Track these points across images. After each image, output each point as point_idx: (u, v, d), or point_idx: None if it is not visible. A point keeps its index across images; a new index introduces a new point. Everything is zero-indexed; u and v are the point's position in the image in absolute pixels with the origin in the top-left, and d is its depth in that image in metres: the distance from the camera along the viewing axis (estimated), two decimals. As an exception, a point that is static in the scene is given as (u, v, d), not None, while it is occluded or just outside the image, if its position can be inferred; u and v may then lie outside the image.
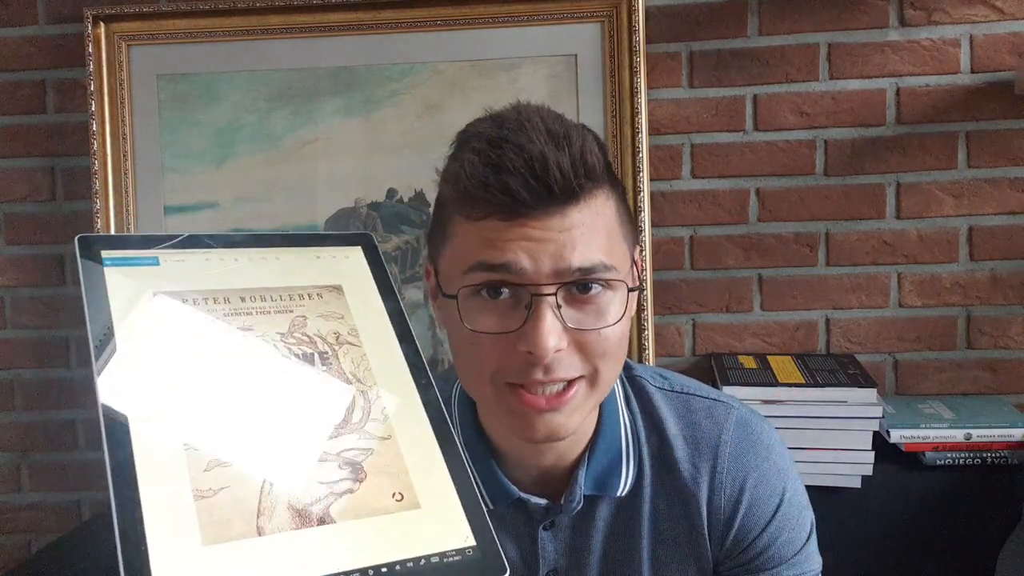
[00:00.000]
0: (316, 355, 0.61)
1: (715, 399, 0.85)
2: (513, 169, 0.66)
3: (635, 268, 0.76)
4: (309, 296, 0.63)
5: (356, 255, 0.67)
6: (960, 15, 1.47)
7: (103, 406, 0.53)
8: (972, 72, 1.47)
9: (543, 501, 0.79)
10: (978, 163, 1.48)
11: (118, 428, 0.53)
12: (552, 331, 0.66)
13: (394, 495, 0.55)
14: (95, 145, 1.54)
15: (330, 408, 0.58)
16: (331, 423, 0.58)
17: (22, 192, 1.63)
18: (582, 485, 0.78)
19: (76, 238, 0.61)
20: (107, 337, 0.56)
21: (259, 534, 0.51)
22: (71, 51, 1.59)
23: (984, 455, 1.31)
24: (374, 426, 0.59)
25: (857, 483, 1.30)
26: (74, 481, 1.66)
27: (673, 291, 1.55)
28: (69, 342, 1.64)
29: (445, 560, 0.54)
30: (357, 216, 1.55)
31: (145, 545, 0.49)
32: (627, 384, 0.85)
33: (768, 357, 1.45)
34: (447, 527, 0.55)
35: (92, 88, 1.53)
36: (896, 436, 1.32)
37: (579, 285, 0.68)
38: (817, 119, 1.51)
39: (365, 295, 0.65)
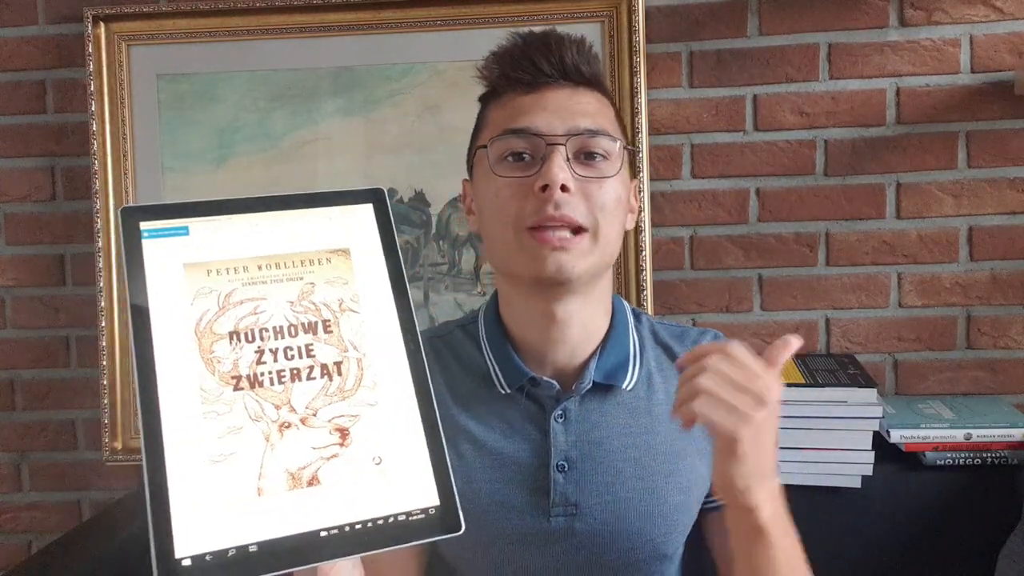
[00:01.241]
0: (320, 323, 0.66)
1: (700, 330, 1.01)
2: (534, 46, 0.85)
3: (630, 177, 0.91)
4: (319, 262, 0.68)
5: (366, 213, 0.71)
6: (960, 15, 1.47)
7: (138, 376, 0.60)
8: (972, 72, 1.47)
9: (555, 383, 0.88)
10: (978, 163, 1.48)
11: (150, 401, 0.60)
12: (562, 168, 0.81)
13: (374, 459, 0.63)
14: (95, 145, 1.54)
15: (327, 377, 0.65)
16: (327, 391, 0.64)
17: (22, 192, 1.63)
18: (593, 371, 0.89)
19: (120, 209, 0.66)
20: (143, 310, 0.63)
21: (259, 495, 0.59)
22: (71, 51, 1.59)
23: (984, 455, 1.31)
24: (364, 393, 0.65)
25: (857, 483, 1.30)
26: (74, 481, 1.66)
27: (673, 291, 1.55)
28: (69, 342, 1.64)
29: (410, 518, 0.61)
30: (357, 216, 1.55)
31: (168, 505, 0.57)
32: (634, 315, 0.98)
33: (768, 357, 1.45)
34: (416, 488, 0.63)
35: (92, 88, 1.53)
36: (896, 436, 1.32)
37: (586, 153, 0.84)
38: (817, 119, 1.51)
39: (370, 257, 0.70)
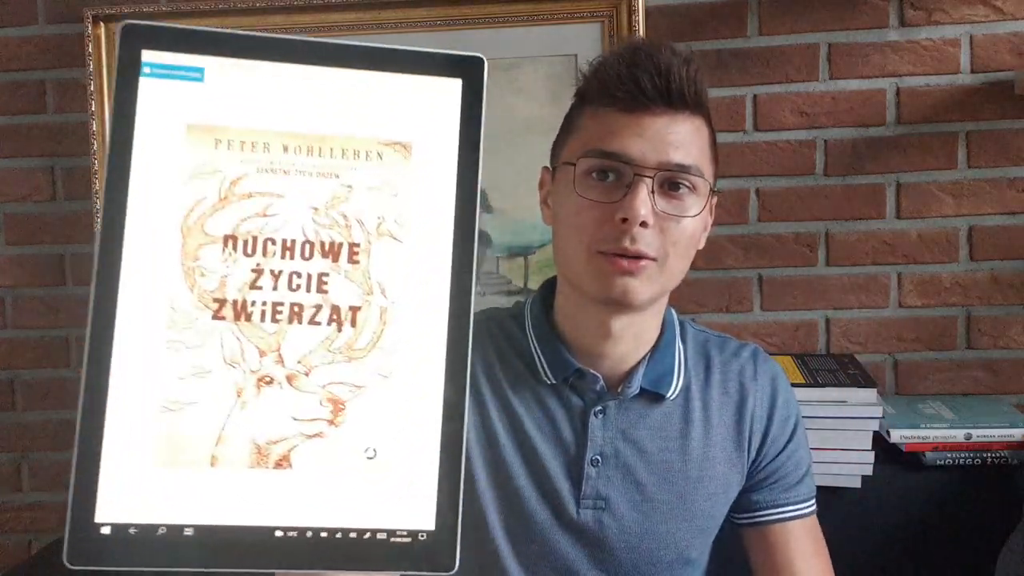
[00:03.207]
0: (346, 247, 0.50)
1: (740, 342, 1.01)
2: (643, 67, 0.81)
3: (709, 203, 0.88)
4: (366, 155, 0.50)
5: (450, 93, 0.51)
6: (960, 15, 1.47)
7: (96, 270, 0.48)
8: (972, 72, 1.47)
9: (599, 376, 0.89)
10: (978, 163, 1.48)
11: (105, 308, 0.48)
12: (644, 203, 0.80)
13: (366, 450, 0.49)
14: (95, 145, 1.54)
15: (336, 326, 0.49)
16: (331, 345, 0.49)
17: (22, 192, 1.63)
18: (640, 378, 0.91)
19: (122, 24, 0.49)
20: (123, 178, 0.48)
21: (211, 464, 0.47)
22: (71, 51, 1.58)
23: (984, 455, 1.31)
24: (378, 357, 0.49)
25: (857, 483, 1.30)
26: (74, 481, 1.66)
27: (673, 291, 1.54)
28: (69, 342, 1.64)
29: (391, 539, 0.48)
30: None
31: (99, 455, 0.47)
32: (680, 324, 0.99)
33: (768, 357, 1.45)
34: (411, 502, 0.48)
35: (92, 88, 1.53)
36: (896, 436, 1.32)
37: (671, 183, 0.83)
38: (817, 119, 1.51)
39: (438, 160, 0.51)
